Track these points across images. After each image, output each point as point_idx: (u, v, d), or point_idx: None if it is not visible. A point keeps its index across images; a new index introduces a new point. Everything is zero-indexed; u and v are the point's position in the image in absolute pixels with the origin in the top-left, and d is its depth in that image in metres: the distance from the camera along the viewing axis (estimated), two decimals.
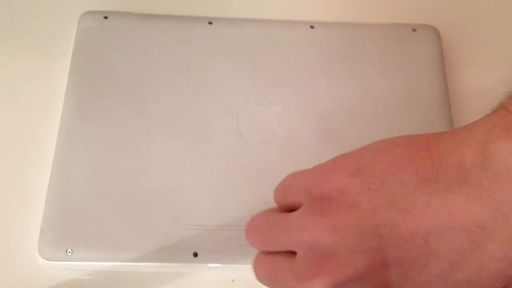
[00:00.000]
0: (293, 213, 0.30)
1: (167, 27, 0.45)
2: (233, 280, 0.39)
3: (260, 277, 0.31)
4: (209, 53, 0.44)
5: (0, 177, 0.41)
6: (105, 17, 0.45)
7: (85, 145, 0.40)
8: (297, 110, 0.42)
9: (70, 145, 0.40)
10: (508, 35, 0.49)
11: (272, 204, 0.39)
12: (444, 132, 0.28)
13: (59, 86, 0.43)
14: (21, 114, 0.43)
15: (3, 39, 0.46)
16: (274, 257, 0.30)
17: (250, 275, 0.38)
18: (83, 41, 0.44)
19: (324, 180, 0.29)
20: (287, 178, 0.32)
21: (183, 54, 0.44)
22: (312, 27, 0.46)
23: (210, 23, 0.46)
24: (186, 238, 0.38)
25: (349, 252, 0.26)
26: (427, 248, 0.26)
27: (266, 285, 0.31)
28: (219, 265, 0.38)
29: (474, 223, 0.24)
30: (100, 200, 0.38)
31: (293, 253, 0.29)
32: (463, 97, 0.46)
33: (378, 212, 0.26)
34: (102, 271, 0.38)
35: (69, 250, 0.37)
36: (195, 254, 0.37)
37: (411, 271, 0.26)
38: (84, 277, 0.38)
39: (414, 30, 0.46)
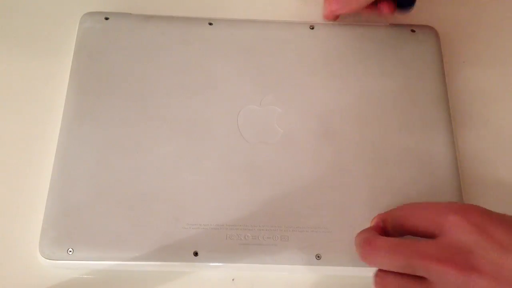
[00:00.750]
0: (429, 242, 0.32)
1: (167, 28, 0.45)
2: (233, 279, 0.39)
3: None
4: (210, 53, 0.44)
5: (1, 177, 0.41)
6: (106, 18, 0.45)
7: (86, 145, 0.40)
8: (296, 110, 0.43)
9: (71, 145, 0.40)
10: (507, 36, 0.49)
11: (271, 203, 0.39)
12: None
13: (60, 87, 0.43)
14: (22, 114, 0.43)
15: (5, 40, 0.47)
16: (401, 279, 0.32)
17: (250, 274, 0.39)
18: (84, 41, 0.44)
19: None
20: (420, 205, 0.36)
21: (183, 55, 0.44)
22: (312, 27, 0.46)
23: (210, 24, 0.46)
24: (187, 238, 0.38)
25: None
26: None
27: None
28: (219, 264, 0.38)
29: None
30: (100, 200, 0.39)
31: (422, 278, 0.31)
32: (462, 97, 0.46)
33: None
34: (103, 270, 0.38)
35: (70, 249, 0.37)
36: (196, 253, 0.38)
37: None
38: (85, 276, 0.38)
39: (413, 31, 0.46)
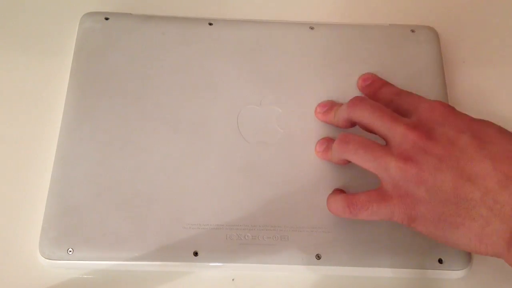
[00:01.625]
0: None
1: (167, 28, 0.45)
2: (233, 279, 0.39)
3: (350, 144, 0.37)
4: (210, 53, 0.44)
5: (1, 176, 0.41)
6: (106, 18, 0.45)
7: (86, 145, 0.40)
8: (297, 110, 0.43)
9: (71, 145, 0.40)
10: (506, 36, 0.49)
11: (271, 203, 0.39)
12: None
13: (60, 87, 0.43)
14: (22, 114, 0.43)
15: (5, 40, 0.47)
16: (363, 137, 0.37)
17: (250, 274, 0.39)
18: (84, 42, 0.44)
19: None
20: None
21: (183, 55, 0.44)
22: (311, 28, 0.46)
23: (210, 24, 0.46)
24: (186, 237, 0.38)
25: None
26: None
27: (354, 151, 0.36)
28: (219, 264, 0.38)
29: None
30: (101, 200, 0.39)
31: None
32: (462, 97, 0.46)
33: None
34: (103, 270, 0.38)
35: (70, 249, 0.37)
36: (195, 253, 0.38)
37: None
38: (85, 276, 0.38)
39: (412, 31, 0.46)
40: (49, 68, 0.45)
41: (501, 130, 0.35)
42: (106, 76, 0.43)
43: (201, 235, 0.38)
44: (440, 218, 0.33)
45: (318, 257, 0.38)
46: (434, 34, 0.46)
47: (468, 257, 0.38)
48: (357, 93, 0.44)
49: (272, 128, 0.42)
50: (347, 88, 0.44)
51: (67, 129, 0.41)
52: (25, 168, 0.41)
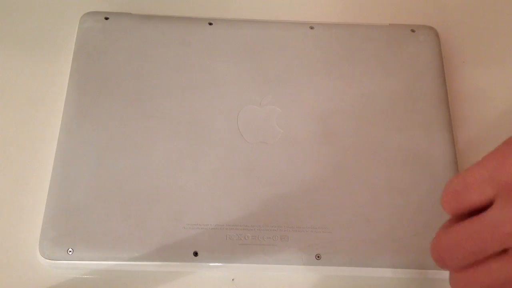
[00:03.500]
0: (491, 211, 0.26)
1: (167, 27, 0.45)
2: (233, 279, 0.39)
3: None
4: (209, 53, 0.44)
5: (1, 176, 0.41)
6: (106, 18, 0.45)
7: (86, 144, 0.40)
8: (296, 110, 0.43)
9: (71, 145, 0.40)
10: (507, 36, 0.49)
11: (271, 203, 0.39)
12: None
13: (60, 87, 0.43)
14: (22, 114, 0.43)
15: (5, 40, 0.47)
16: (482, 267, 0.27)
17: (250, 274, 0.39)
18: (84, 41, 0.44)
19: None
20: (456, 180, 0.29)
21: (183, 55, 0.44)
22: (311, 27, 0.46)
23: (210, 24, 0.46)
24: (186, 238, 0.38)
25: None
26: None
27: None
28: (219, 264, 0.38)
29: None
30: (101, 200, 0.39)
31: (502, 253, 0.26)
32: (462, 97, 0.46)
33: None
34: (103, 270, 0.38)
35: (70, 249, 0.37)
36: (195, 253, 0.38)
37: None
38: (85, 276, 0.38)
39: (413, 31, 0.46)
40: (49, 68, 0.45)
41: None
42: (106, 76, 0.43)
43: (201, 235, 0.38)
44: None
45: (318, 257, 0.38)
46: (434, 34, 0.46)
47: None
48: (356, 95, 0.43)
49: (272, 128, 0.42)
50: (346, 88, 0.44)
51: (67, 129, 0.41)
52: (25, 168, 0.41)
